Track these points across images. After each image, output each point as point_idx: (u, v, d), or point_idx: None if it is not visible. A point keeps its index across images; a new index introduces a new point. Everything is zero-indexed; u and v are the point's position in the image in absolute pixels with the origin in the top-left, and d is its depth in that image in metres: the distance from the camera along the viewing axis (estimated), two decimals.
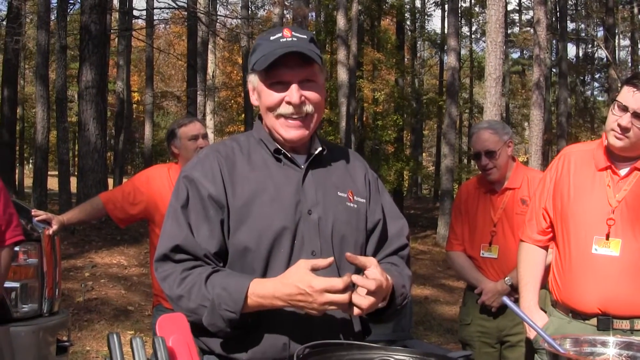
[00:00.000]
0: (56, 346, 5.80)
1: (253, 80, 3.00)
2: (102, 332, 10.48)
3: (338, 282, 2.55)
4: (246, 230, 2.81)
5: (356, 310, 2.66)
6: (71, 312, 9.82)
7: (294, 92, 2.86)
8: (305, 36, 2.93)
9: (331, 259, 2.61)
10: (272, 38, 2.90)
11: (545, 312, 4.44)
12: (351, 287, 2.62)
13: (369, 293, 2.67)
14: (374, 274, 2.70)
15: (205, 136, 5.99)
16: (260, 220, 2.83)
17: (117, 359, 2.21)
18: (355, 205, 3.08)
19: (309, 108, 2.91)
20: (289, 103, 2.88)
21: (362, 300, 2.65)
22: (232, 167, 2.93)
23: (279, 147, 2.99)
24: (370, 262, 2.73)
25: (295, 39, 2.88)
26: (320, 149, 3.05)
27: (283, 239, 2.84)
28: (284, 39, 2.87)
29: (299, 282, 2.55)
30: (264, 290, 2.61)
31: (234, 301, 2.62)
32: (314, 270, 2.59)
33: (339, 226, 2.97)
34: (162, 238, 2.87)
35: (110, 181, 27.38)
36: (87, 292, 12.41)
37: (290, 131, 2.93)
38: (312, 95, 2.91)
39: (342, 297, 2.56)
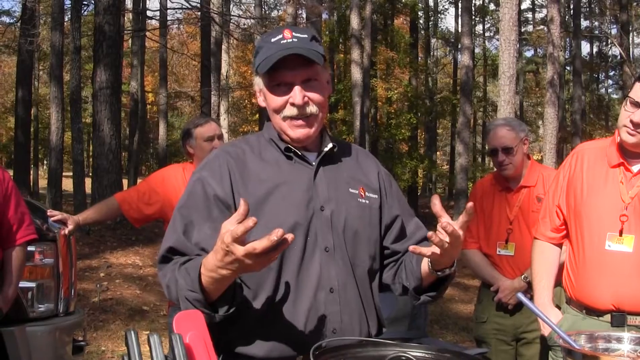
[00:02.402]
0: (72, 346, 5.82)
1: (258, 82, 3.01)
2: (118, 332, 10.50)
3: (241, 225, 2.34)
4: (259, 229, 2.82)
5: (437, 248, 2.63)
6: (86, 312, 9.86)
7: (297, 94, 2.87)
8: (306, 35, 2.93)
9: (253, 219, 2.34)
10: (272, 40, 2.91)
11: (560, 309, 4.45)
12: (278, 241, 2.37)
13: (451, 242, 2.61)
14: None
15: (220, 137, 6.01)
16: (273, 217, 2.83)
17: (135, 355, 2.22)
18: (367, 201, 3.08)
19: (312, 109, 2.92)
20: (292, 104, 2.89)
21: (458, 229, 2.59)
22: (242, 167, 2.94)
23: (289, 145, 3.01)
24: (443, 212, 2.64)
25: (295, 40, 2.88)
26: (330, 145, 3.06)
27: (296, 235, 2.82)
28: (284, 41, 2.88)
29: (219, 243, 2.43)
30: (209, 262, 2.53)
31: (192, 280, 2.59)
32: (241, 233, 2.35)
33: (351, 222, 2.98)
34: (164, 239, 2.91)
35: (125, 182, 27.41)
36: (102, 292, 12.44)
37: (297, 131, 2.94)
38: (315, 95, 2.92)
39: (255, 244, 2.34)
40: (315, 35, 2.99)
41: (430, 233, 2.63)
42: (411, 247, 2.69)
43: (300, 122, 2.93)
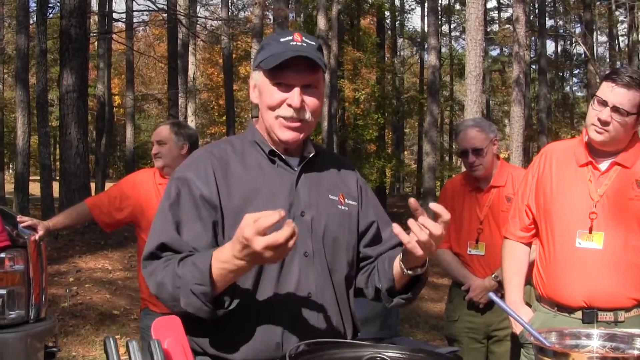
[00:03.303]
0: (44, 352, 5.80)
1: (257, 77, 3.02)
2: (88, 337, 10.45)
3: (264, 218, 2.41)
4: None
5: (418, 245, 2.64)
6: (57, 317, 9.83)
7: (295, 96, 2.88)
8: (313, 43, 2.95)
9: (280, 211, 2.43)
10: (282, 40, 2.92)
11: (531, 307, 4.50)
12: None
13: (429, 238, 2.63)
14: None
15: (160, 142, 5.97)
16: None
17: None
18: (347, 208, 3.11)
19: (307, 115, 2.93)
20: (289, 105, 2.90)
21: (436, 227, 2.61)
22: (226, 168, 2.95)
23: (274, 149, 3.02)
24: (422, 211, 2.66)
25: (304, 45, 2.90)
26: (313, 152, 3.08)
27: None
28: (294, 43, 2.89)
29: (237, 236, 2.47)
30: (223, 254, 2.56)
31: (201, 272, 2.58)
32: (265, 227, 2.42)
33: (331, 228, 3.00)
34: (150, 236, 2.88)
35: (93, 185, 27.28)
36: (72, 297, 12.37)
37: (286, 133, 2.94)
38: (312, 102, 2.93)
39: (278, 235, 2.40)
40: (321, 46, 3.01)
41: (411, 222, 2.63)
42: (395, 229, 2.68)
43: (293, 124, 2.93)
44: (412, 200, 2.63)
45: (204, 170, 2.92)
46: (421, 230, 2.61)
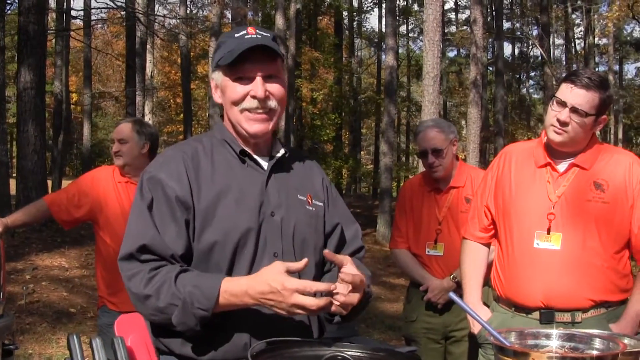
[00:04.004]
0: (1, 350, 5.75)
1: (217, 77, 3.03)
2: (45, 334, 10.39)
3: (311, 285, 2.58)
4: (212, 231, 2.83)
5: (339, 308, 2.74)
6: (14, 315, 9.77)
7: (259, 86, 2.91)
8: (268, 34, 2.97)
9: (305, 260, 2.62)
10: (236, 35, 2.95)
11: (489, 307, 4.54)
12: (320, 294, 2.64)
13: (352, 290, 2.75)
14: (352, 270, 2.78)
15: (121, 141, 5.92)
16: (225, 221, 2.86)
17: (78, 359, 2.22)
18: (314, 209, 3.14)
19: (272, 103, 2.96)
20: (253, 97, 2.92)
21: (351, 297, 2.74)
22: (197, 167, 2.95)
23: (245, 148, 3.03)
24: (346, 260, 2.81)
25: (259, 36, 2.93)
26: (283, 151, 3.10)
27: (248, 239, 2.88)
28: (249, 36, 2.92)
29: (273, 281, 2.57)
30: (237, 288, 2.63)
31: (207, 298, 2.63)
32: (289, 272, 2.61)
33: (300, 228, 3.02)
34: (127, 237, 2.87)
35: (49, 182, 27.05)
36: (28, 295, 12.28)
37: (254, 125, 2.97)
38: (275, 89, 2.97)
39: (311, 301, 2.57)
40: (276, 36, 3.04)
41: (342, 274, 2.78)
42: (325, 252, 2.81)
43: (260, 116, 2.96)
44: (325, 252, 2.81)
45: (177, 170, 2.92)
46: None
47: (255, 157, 3.05)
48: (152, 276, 2.74)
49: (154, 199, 2.89)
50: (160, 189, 2.89)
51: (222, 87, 3.02)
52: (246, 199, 2.93)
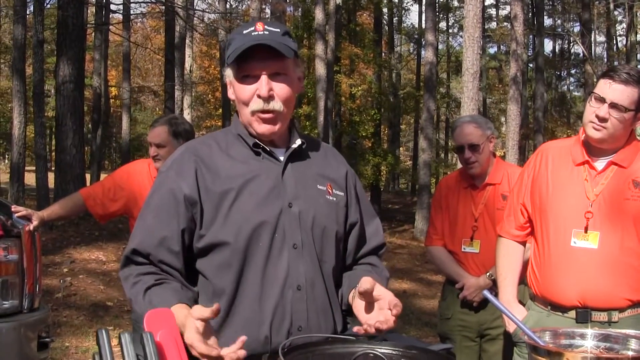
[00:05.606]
0: (37, 342, 5.79)
1: (229, 74, 3.02)
2: (81, 327, 10.44)
3: (214, 352, 2.50)
4: (223, 225, 2.83)
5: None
6: (50, 308, 9.83)
7: (263, 84, 2.88)
8: (278, 30, 2.94)
9: (217, 305, 2.52)
10: (244, 32, 2.91)
11: (524, 305, 4.49)
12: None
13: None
14: (386, 295, 2.83)
15: (159, 145, 5.91)
16: (238, 214, 2.85)
17: (106, 355, 2.21)
18: (335, 199, 3.10)
19: (277, 105, 2.92)
20: (259, 96, 2.90)
21: (389, 321, 2.77)
22: (210, 163, 2.94)
23: (258, 141, 3.01)
24: (384, 294, 2.85)
25: (267, 33, 2.89)
26: (299, 142, 3.07)
27: (262, 233, 2.86)
28: (256, 33, 2.89)
29: (186, 338, 2.50)
30: (177, 319, 2.58)
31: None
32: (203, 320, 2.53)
33: (319, 219, 2.99)
34: (130, 238, 2.95)
35: (88, 176, 27.25)
36: (65, 288, 12.38)
37: (262, 126, 2.95)
38: (281, 89, 2.93)
39: (213, 352, 2.49)
40: (288, 31, 2.99)
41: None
42: (360, 289, 2.82)
43: (265, 115, 2.93)
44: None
45: (186, 168, 2.94)
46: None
47: (270, 149, 3.02)
48: (135, 282, 2.83)
49: (160, 197, 2.93)
50: (168, 186, 2.92)
51: (233, 84, 3.01)
52: (261, 192, 2.92)
